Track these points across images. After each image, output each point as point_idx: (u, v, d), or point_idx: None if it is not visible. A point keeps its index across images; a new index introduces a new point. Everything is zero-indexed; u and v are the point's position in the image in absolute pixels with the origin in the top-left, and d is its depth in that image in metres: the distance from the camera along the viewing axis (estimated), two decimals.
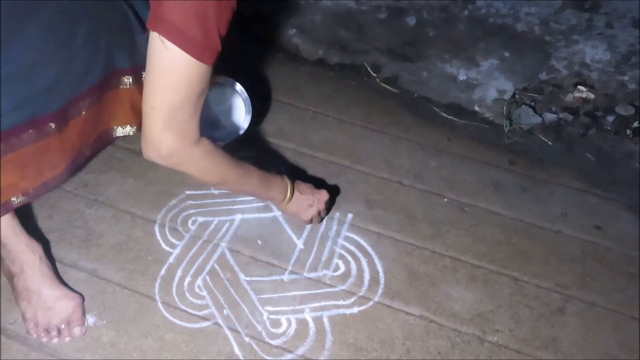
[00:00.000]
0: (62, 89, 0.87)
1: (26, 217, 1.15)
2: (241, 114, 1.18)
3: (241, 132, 1.17)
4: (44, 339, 1.01)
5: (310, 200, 1.10)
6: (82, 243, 1.15)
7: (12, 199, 0.90)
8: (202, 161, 0.87)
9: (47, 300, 1.01)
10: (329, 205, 1.17)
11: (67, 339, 1.01)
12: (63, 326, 1.01)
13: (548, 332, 1.08)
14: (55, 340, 1.01)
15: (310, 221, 1.13)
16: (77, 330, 1.02)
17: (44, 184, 0.93)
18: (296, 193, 1.07)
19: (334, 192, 1.26)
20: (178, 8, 0.72)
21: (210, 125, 1.18)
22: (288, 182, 1.06)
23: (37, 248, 1.03)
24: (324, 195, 1.12)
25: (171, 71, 0.76)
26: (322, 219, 1.19)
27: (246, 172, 0.97)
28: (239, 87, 1.17)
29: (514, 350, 1.06)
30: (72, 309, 1.02)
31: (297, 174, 1.18)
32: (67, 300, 1.03)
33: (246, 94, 1.17)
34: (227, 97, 1.19)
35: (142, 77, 1.03)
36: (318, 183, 1.19)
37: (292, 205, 1.08)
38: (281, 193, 1.05)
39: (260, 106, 1.20)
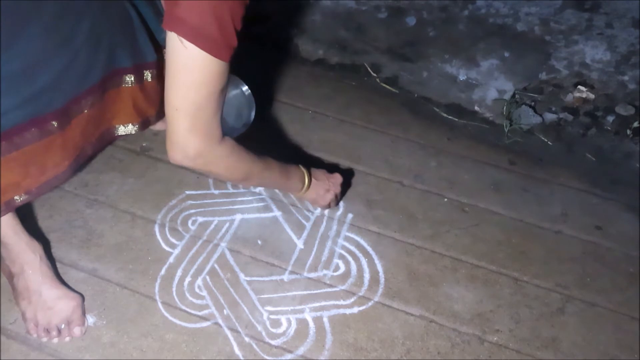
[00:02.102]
0: (65, 87, 0.88)
1: (26, 217, 1.16)
2: (244, 110, 1.19)
3: (245, 128, 1.17)
4: (44, 339, 1.01)
5: (326, 185, 1.12)
6: (82, 243, 1.15)
7: (14, 198, 0.90)
8: (227, 159, 0.88)
9: (47, 300, 1.01)
10: (344, 189, 1.21)
11: (67, 339, 1.01)
12: (63, 326, 1.01)
13: (548, 332, 1.08)
14: (55, 340, 1.01)
15: (329, 205, 1.16)
16: (77, 330, 1.02)
17: (46, 182, 0.93)
18: (313, 180, 1.09)
19: (347, 175, 1.27)
20: (194, 7, 0.73)
21: None
22: (304, 170, 1.08)
23: (38, 248, 1.03)
24: (338, 178, 1.15)
25: (191, 70, 0.76)
26: (338, 202, 1.21)
27: (268, 165, 0.98)
28: (242, 84, 1.18)
29: (514, 350, 1.06)
30: (72, 308, 1.02)
31: (309, 163, 1.20)
32: (67, 300, 1.03)
33: (249, 90, 1.18)
34: (230, 94, 1.19)
35: (143, 75, 1.04)
36: (331, 168, 1.20)
37: (311, 192, 1.10)
38: (300, 182, 1.07)
39: (260, 106, 1.20)
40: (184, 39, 0.74)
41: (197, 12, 0.73)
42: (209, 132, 0.83)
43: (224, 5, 0.74)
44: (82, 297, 1.06)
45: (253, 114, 1.19)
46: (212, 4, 0.73)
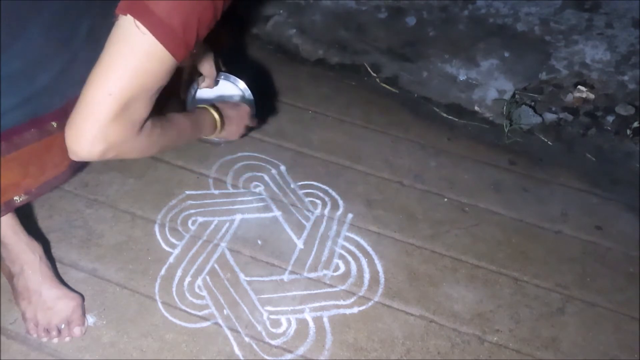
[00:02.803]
0: (64, 87, 0.87)
1: (26, 217, 1.16)
2: None
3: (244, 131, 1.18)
4: (44, 339, 1.01)
5: (236, 119, 1.08)
6: (82, 243, 1.15)
7: (14, 198, 0.90)
8: (142, 143, 0.82)
9: (47, 300, 1.01)
10: (255, 113, 1.17)
11: (67, 339, 1.01)
12: (63, 326, 1.01)
13: (548, 332, 1.08)
14: (55, 340, 1.01)
15: (239, 136, 1.12)
16: (77, 330, 1.02)
17: (46, 183, 0.93)
18: (225, 119, 1.04)
19: (260, 101, 1.23)
20: (165, 2, 0.71)
21: None
22: (214, 111, 1.02)
23: (38, 248, 1.03)
24: (246, 109, 1.11)
25: (140, 57, 0.73)
26: (250, 130, 1.19)
27: (180, 129, 0.92)
28: (241, 84, 1.19)
29: (514, 350, 1.06)
30: (72, 308, 1.02)
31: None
32: (67, 300, 1.03)
33: (249, 91, 1.18)
34: (230, 95, 1.19)
35: None
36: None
37: (223, 132, 1.06)
38: (213, 126, 1.02)
39: (260, 106, 1.20)
40: (144, 26, 0.71)
41: (164, 4, 0.71)
42: (132, 125, 0.77)
43: (194, 7, 0.72)
44: (82, 297, 1.06)
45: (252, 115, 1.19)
46: (183, 3, 0.71)
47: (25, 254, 1.01)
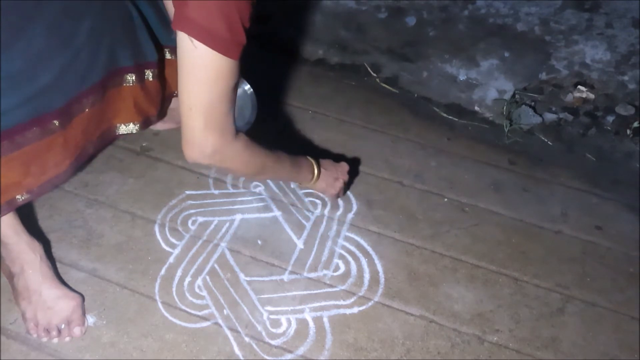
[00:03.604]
0: (66, 86, 0.88)
1: (26, 217, 1.15)
2: (247, 109, 1.19)
3: (247, 126, 1.18)
4: (44, 339, 1.01)
5: (335, 174, 1.15)
6: (82, 243, 1.15)
7: (16, 197, 0.90)
8: (243, 154, 0.90)
9: (47, 300, 1.01)
10: (352, 177, 1.24)
11: (67, 338, 1.01)
12: (63, 326, 1.01)
13: (548, 332, 1.08)
14: (55, 340, 1.01)
15: (338, 194, 1.19)
16: (77, 330, 1.02)
17: (48, 182, 0.93)
18: (322, 170, 1.12)
19: (354, 163, 1.31)
20: (202, 7, 0.74)
21: None
22: (313, 161, 1.11)
23: (38, 248, 1.03)
24: (345, 167, 1.17)
25: (202, 69, 0.78)
26: (346, 190, 1.25)
27: (279, 158, 1.01)
28: (244, 82, 1.18)
29: (514, 350, 1.06)
30: (72, 308, 1.02)
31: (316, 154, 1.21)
32: (67, 300, 1.03)
33: (252, 89, 1.18)
34: None
35: (145, 74, 1.04)
36: (337, 158, 1.22)
37: (321, 182, 1.13)
38: (310, 172, 1.10)
39: (260, 106, 1.20)
40: (194, 38, 0.75)
41: (205, 11, 0.74)
42: (224, 129, 0.84)
43: (232, 4, 0.75)
44: (82, 297, 1.06)
45: (255, 113, 1.19)
46: (219, 3, 0.74)
47: (25, 253, 1.01)
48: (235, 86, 0.83)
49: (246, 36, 0.79)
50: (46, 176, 0.92)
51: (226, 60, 0.78)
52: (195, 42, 0.75)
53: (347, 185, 1.20)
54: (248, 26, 0.79)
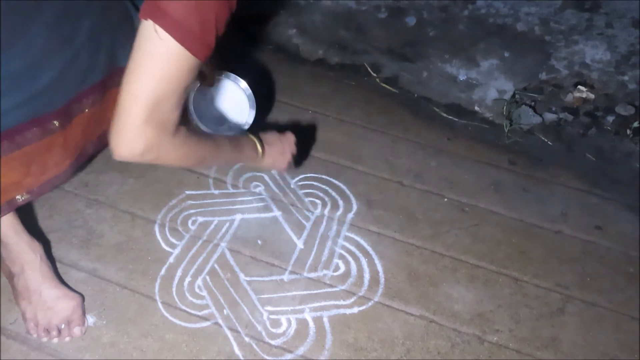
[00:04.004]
0: (66, 86, 0.88)
1: (26, 217, 1.15)
2: (245, 110, 1.19)
3: (245, 127, 1.18)
4: (44, 339, 1.01)
5: (280, 147, 1.09)
6: (82, 243, 1.15)
7: (16, 197, 0.90)
8: (180, 150, 0.85)
9: (47, 300, 1.01)
10: (304, 146, 1.18)
11: (67, 338, 1.01)
12: (63, 326, 1.01)
13: (548, 332, 1.08)
14: (55, 340, 1.01)
15: (287, 167, 1.13)
16: (77, 330, 1.02)
17: (48, 182, 0.93)
18: (266, 146, 1.06)
19: (308, 130, 1.27)
20: (181, 3, 0.72)
21: (214, 120, 1.19)
22: (255, 138, 1.05)
23: (38, 248, 1.03)
24: (290, 137, 1.12)
25: (164, 62, 0.75)
26: (299, 163, 1.19)
27: (219, 145, 0.95)
28: (242, 83, 1.19)
29: (514, 350, 1.06)
30: (72, 308, 1.02)
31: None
32: (68, 300, 1.03)
33: (250, 90, 1.18)
34: (231, 93, 1.20)
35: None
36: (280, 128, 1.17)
37: (267, 159, 1.07)
38: (253, 151, 1.04)
39: (260, 106, 1.21)
40: (163, 29, 0.72)
41: (181, 5, 0.72)
42: (165, 125, 0.79)
43: (210, 5, 0.73)
44: (82, 297, 1.06)
45: (253, 113, 1.19)
46: (199, 2, 0.72)
47: (25, 253, 1.01)
48: (189, 86, 0.80)
49: (216, 42, 0.77)
50: (46, 176, 0.92)
51: (190, 58, 0.75)
52: (162, 33, 0.72)
53: (299, 156, 1.13)
54: (221, 33, 0.77)
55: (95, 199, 1.22)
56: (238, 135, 1.03)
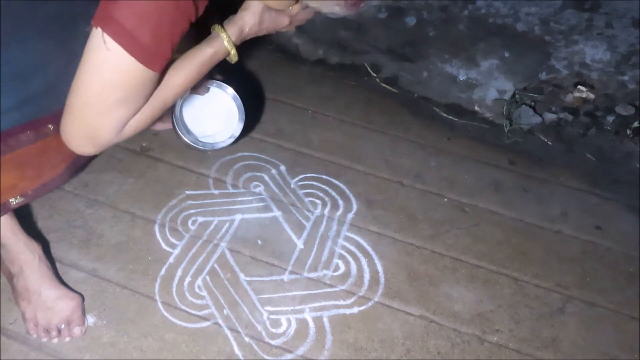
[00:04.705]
0: (61, 90, 0.87)
1: (26, 217, 1.16)
2: (234, 121, 1.15)
3: (231, 140, 1.14)
4: (44, 339, 1.01)
5: (258, 8, 0.86)
6: (82, 243, 1.15)
7: (10, 200, 0.90)
8: (134, 126, 0.81)
9: (46, 300, 1.01)
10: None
11: (67, 339, 1.01)
12: (63, 326, 1.01)
13: (548, 332, 1.08)
14: (55, 340, 1.01)
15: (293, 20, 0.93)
16: (77, 330, 1.02)
17: (43, 185, 0.92)
18: (242, 13, 0.86)
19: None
20: (130, 8, 0.69)
21: (200, 130, 1.15)
22: (220, 34, 0.85)
23: (37, 248, 1.03)
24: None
25: (110, 72, 0.73)
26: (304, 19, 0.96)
27: (181, 81, 0.83)
28: (232, 92, 1.14)
29: (514, 350, 1.06)
30: (72, 308, 1.02)
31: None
32: (67, 300, 1.03)
33: (240, 100, 1.14)
34: (221, 103, 1.16)
35: None
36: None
37: (257, 26, 0.87)
38: (223, 52, 0.86)
39: (260, 106, 1.20)
40: (112, 38, 0.70)
41: (132, 14, 0.69)
42: (116, 128, 0.78)
43: (165, 16, 0.71)
44: (82, 297, 1.06)
45: (241, 126, 1.15)
46: (150, 9, 0.70)
47: (24, 254, 1.01)
48: (146, 96, 0.78)
49: (172, 52, 0.74)
50: (41, 180, 0.91)
51: (141, 69, 0.73)
52: (110, 43, 0.70)
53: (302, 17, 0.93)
54: (176, 43, 0.74)
55: (95, 199, 1.22)
56: (202, 51, 0.84)
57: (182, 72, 0.82)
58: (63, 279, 1.08)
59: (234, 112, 1.15)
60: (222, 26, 0.85)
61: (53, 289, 1.02)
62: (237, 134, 1.14)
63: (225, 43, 0.85)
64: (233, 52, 0.86)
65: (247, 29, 0.87)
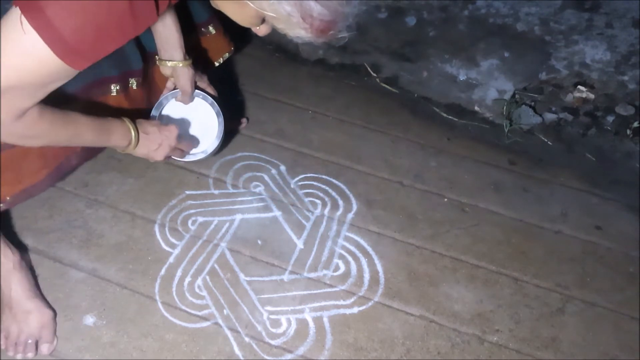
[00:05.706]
0: None
1: (26, 218, 1.16)
2: (210, 137, 1.13)
3: (203, 155, 1.13)
4: (10, 353, 0.98)
5: (158, 139, 1.00)
6: (82, 243, 1.15)
7: None
8: (21, 131, 0.78)
9: (17, 313, 0.99)
10: (188, 141, 1.11)
11: (29, 354, 0.98)
12: (30, 341, 0.98)
13: (548, 332, 1.08)
14: (20, 356, 0.98)
15: (165, 159, 1.05)
16: (44, 348, 0.99)
17: (22, 191, 0.90)
18: (142, 134, 0.97)
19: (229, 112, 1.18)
20: (60, 3, 0.67)
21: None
22: (130, 125, 0.95)
23: (12, 256, 1.00)
24: (172, 131, 1.02)
25: (22, 55, 0.69)
26: (185, 154, 1.10)
27: (79, 129, 0.86)
28: (217, 108, 1.13)
29: (514, 350, 1.06)
30: (41, 325, 1.00)
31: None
32: (38, 316, 1.00)
33: (222, 117, 1.13)
34: (202, 115, 1.14)
35: (129, 83, 1.02)
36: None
37: (141, 148, 0.98)
38: (124, 139, 0.95)
39: (260, 106, 1.20)
40: (32, 26, 0.67)
41: (60, 6, 0.66)
42: (11, 110, 0.73)
43: (96, 17, 0.68)
44: (55, 313, 1.03)
45: (217, 143, 1.13)
46: (81, 9, 0.67)
47: None
48: (52, 85, 0.74)
49: (97, 55, 0.72)
50: (21, 185, 0.89)
51: (56, 61, 0.69)
52: (27, 26, 0.66)
53: (175, 151, 1.05)
54: (105, 47, 0.72)
55: (95, 199, 1.22)
56: (108, 122, 0.92)
57: (88, 136, 0.87)
58: (62, 280, 1.08)
59: (213, 128, 1.13)
60: (135, 127, 0.95)
61: (25, 301, 1.00)
62: (210, 150, 1.13)
63: (132, 136, 0.95)
64: (132, 144, 0.96)
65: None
